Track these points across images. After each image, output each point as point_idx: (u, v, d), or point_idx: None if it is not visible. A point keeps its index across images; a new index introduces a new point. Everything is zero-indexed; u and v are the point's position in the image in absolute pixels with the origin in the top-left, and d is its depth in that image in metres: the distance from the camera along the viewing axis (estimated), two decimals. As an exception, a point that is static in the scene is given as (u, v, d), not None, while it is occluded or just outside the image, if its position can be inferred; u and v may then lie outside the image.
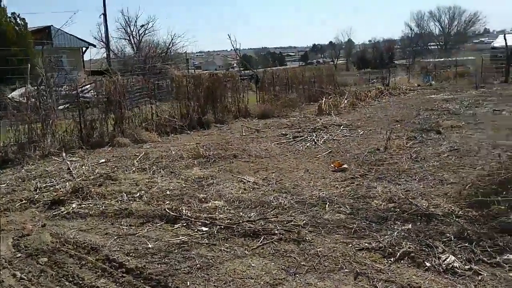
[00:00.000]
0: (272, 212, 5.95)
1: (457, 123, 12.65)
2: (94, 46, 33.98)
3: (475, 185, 5.70)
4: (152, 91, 15.55)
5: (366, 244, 4.71)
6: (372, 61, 66.71)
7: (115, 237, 5.42)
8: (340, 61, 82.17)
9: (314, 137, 11.68)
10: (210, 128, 14.84)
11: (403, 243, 4.60)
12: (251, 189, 7.34)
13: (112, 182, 7.96)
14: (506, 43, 26.72)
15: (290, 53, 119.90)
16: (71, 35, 29.94)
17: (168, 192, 7.25)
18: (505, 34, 30.51)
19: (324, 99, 18.29)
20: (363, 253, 4.54)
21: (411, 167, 8.12)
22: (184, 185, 7.76)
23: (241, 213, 6.00)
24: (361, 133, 12.19)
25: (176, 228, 5.64)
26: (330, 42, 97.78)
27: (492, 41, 57.58)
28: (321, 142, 11.12)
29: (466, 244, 4.51)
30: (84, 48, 32.70)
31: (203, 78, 16.87)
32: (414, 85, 27.75)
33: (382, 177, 7.59)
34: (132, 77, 16.14)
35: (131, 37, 40.17)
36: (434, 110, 16.00)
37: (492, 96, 19.56)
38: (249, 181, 7.83)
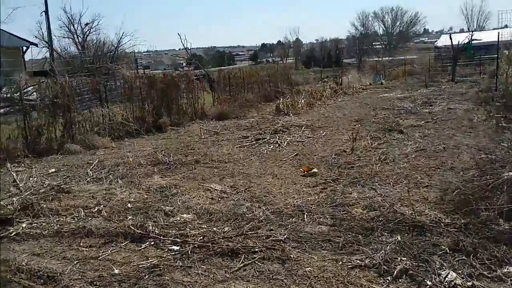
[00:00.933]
0: (248, 226, 5.49)
1: (416, 122, 12.72)
2: (36, 45, 32.04)
3: (458, 189, 5.49)
4: (103, 92, 14.66)
5: (358, 261, 4.34)
6: (320, 60, 67.49)
7: (75, 262, 4.79)
8: (289, 60, 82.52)
9: (277, 139, 11.31)
10: (166, 131, 14.16)
11: (398, 258, 4.28)
12: (220, 199, 6.88)
13: (65, 195, 7.22)
14: (452, 42, 27.51)
15: (239, 53, 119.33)
16: (10, 33, 28.05)
17: (129, 205, 6.64)
18: (450, 34, 31.54)
19: (281, 98, 18.00)
20: (356, 272, 4.17)
21: (382, 169, 7.91)
22: (146, 196, 7.17)
23: (214, 228, 5.51)
24: (324, 134, 11.96)
25: (143, 248, 5.08)
26: (279, 41, 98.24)
27: (435, 41, 59.90)
28: (285, 144, 10.77)
29: (463, 257, 4.24)
30: (24, 48, 30.78)
31: (157, 78, 16.14)
32: (366, 84, 28.08)
33: (355, 181, 7.32)
34: (80, 78, 15.15)
35: (75, 35, 38.28)
36: (391, 109, 16.06)
37: (443, 95, 19.95)
38: (216, 190, 7.37)
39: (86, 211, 6.40)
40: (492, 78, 17.72)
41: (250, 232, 5.22)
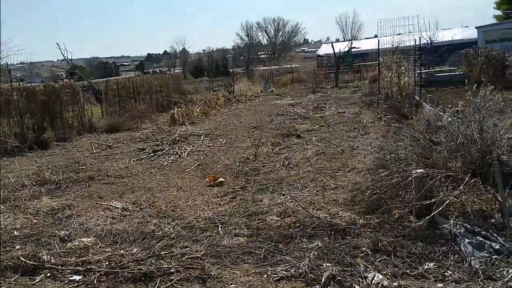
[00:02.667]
0: (159, 245, 5.02)
1: (311, 127, 13.03)
2: None
3: (370, 190, 5.57)
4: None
5: (283, 271, 4.12)
6: (209, 70, 67.76)
7: (-48, 309, 3.97)
8: (177, 70, 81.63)
9: (176, 150, 10.85)
10: (51, 147, 12.93)
11: (323, 264, 4.14)
12: (122, 217, 6.30)
13: None
14: (334, 51, 29.11)
15: (124, 63, 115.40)
16: None
17: (16, 233, 5.80)
18: (332, 43, 33.39)
19: (176, 108, 17.48)
20: (283, 284, 3.94)
21: (288, 174, 7.89)
22: (35, 221, 6.34)
23: (121, 251, 4.95)
24: (224, 142, 11.75)
25: (38, 282, 4.39)
26: (165, 52, 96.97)
27: (316, 50, 63.28)
28: (185, 155, 10.35)
29: (385, 257, 4.22)
30: None
31: (37, 90, 14.73)
32: (257, 91, 28.54)
33: (263, 188, 7.19)
34: None
35: None
36: (285, 115, 16.35)
37: (330, 100, 20.86)
38: (117, 208, 6.75)
39: (-39, 244, 5.43)
40: (373, 83, 18.92)
41: (163, 252, 4.77)
